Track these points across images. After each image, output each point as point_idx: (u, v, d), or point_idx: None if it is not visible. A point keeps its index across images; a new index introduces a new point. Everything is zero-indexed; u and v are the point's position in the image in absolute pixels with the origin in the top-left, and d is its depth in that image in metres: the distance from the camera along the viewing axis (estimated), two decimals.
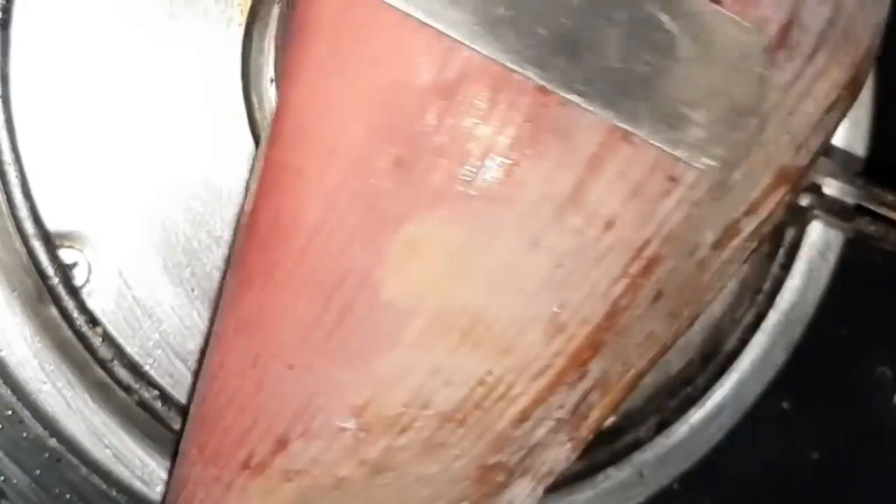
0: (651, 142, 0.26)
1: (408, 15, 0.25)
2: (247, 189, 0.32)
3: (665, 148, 0.26)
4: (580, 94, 0.25)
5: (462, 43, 0.25)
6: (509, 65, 0.25)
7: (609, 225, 0.27)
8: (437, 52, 0.25)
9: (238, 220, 0.34)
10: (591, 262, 0.27)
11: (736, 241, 0.31)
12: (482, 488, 0.31)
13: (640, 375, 0.32)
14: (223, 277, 0.34)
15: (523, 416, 0.29)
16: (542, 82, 0.25)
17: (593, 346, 0.28)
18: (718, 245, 0.30)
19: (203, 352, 0.35)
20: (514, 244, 0.27)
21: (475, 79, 0.25)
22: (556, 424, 0.30)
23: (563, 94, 0.25)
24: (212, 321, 0.34)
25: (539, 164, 0.26)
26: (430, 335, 0.27)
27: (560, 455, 0.32)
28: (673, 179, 0.27)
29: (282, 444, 0.29)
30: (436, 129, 0.25)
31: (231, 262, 0.30)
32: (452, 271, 0.27)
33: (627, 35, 0.25)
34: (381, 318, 0.27)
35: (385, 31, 0.25)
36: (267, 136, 0.28)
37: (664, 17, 0.25)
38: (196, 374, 0.34)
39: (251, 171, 0.32)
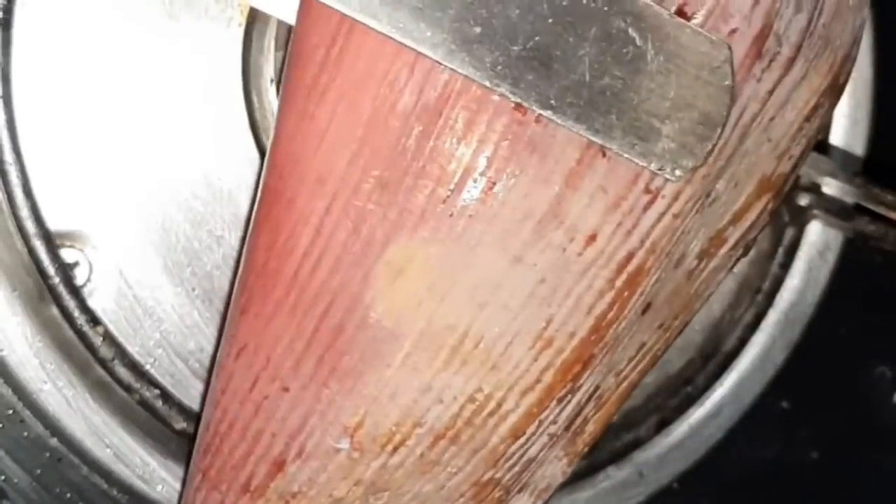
0: (623, 154, 0.26)
1: (387, 38, 0.26)
2: (250, 214, 0.33)
3: (637, 161, 0.26)
4: (553, 110, 0.26)
5: (439, 63, 0.26)
6: (484, 82, 0.26)
7: (590, 239, 0.27)
8: (416, 76, 0.26)
9: (241, 248, 0.34)
10: (575, 277, 0.27)
11: (723, 250, 0.31)
12: None
13: (633, 387, 0.33)
14: (228, 296, 0.34)
15: (516, 432, 0.29)
16: (516, 99, 0.26)
17: (582, 360, 0.29)
18: (705, 255, 0.31)
19: (202, 350, 0.35)
20: (496, 261, 0.27)
21: (454, 101, 0.26)
22: (550, 440, 0.31)
23: (536, 109, 0.26)
24: (218, 339, 0.34)
25: (518, 182, 0.26)
26: (419, 354, 0.28)
27: (556, 470, 0.33)
28: (651, 192, 0.27)
29: (279, 466, 0.30)
30: (417, 151, 0.26)
31: (233, 289, 0.31)
32: (437, 290, 0.27)
33: (598, 51, 0.26)
34: (370, 338, 0.28)
35: (366, 58, 0.26)
36: (265, 165, 0.29)
37: (633, 33, 0.26)
38: (196, 374, 0.35)
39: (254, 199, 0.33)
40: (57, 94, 0.33)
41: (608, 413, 0.32)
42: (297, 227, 0.28)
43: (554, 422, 0.30)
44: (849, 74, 0.31)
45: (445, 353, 0.28)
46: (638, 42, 0.26)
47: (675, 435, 0.41)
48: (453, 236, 0.27)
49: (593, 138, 0.26)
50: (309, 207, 0.27)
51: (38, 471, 0.33)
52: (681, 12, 0.26)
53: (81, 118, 0.33)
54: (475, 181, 0.26)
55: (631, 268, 0.28)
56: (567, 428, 0.31)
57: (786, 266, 0.41)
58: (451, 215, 0.27)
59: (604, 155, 0.26)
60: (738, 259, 0.32)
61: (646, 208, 0.27)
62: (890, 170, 0.42)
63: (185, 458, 0.34)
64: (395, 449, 0.29)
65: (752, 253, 0.41)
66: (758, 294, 0.41)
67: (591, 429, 0.32)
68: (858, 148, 0.42)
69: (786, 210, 0.41)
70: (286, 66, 0.28)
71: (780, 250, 0.41)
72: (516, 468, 0.30)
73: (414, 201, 0.27)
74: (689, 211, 0.28)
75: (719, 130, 0.27)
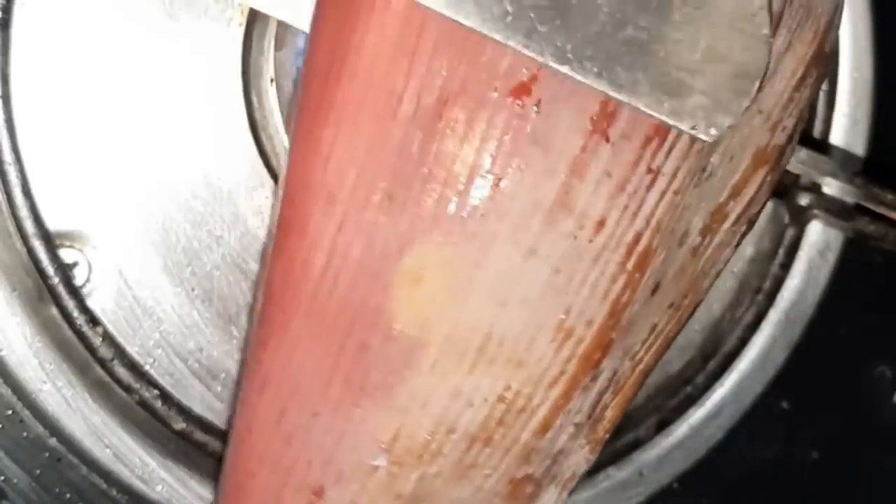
0: (651, 112, 0.25)
1: (384, 42, 0.25)
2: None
3: (668, 120, 0.25)
4: (570, 64, 0.24)
5: (445, 16, 0.25)
6: (494, 35, 0.25)
7: (600, 225, 0.27)
8: (412, 83, 0.26)
9: (255, 286, 0.34)
10: (588, 264, 0.28)
11: (725, 225, 0.31)
12: (513, 503, 0.31)
13: (648, 371, 0.33)
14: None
15: (546, 426, 0.29)
16: (530, 53, 0.25)
17: (602, 346, 0.29)
18: (707, 231, 0.31)
19: (202, 350, 0.35)
20: (511, 256, 0.27)
21: (452, 102, 0.26)
22: (575, 430, 0.31)
23: (553, 65, 0.25)
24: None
25: (524, 176, 0.26)
26: (446, 359, 0.28)
27: (580, 459, 0.33)
28: (653, 171, 0.27)
29: (318, 493, 0.29)
30: (421, 158, 0.26)
31: (250, 327, 0.31)
32: (456, 293, 0.27)
33: None
34: (396, 350, 0.28)
35: (362, 71, 0.26)
36: (279, 200, 0.29)
37: None
38: (195, 374, 0.35)
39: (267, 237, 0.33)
40: (56, 94, 0.33)
41: (626, 398, 0.32)
42: (311, 250, 0.28)
43: (579, 411, 0.30)
44: (832, 41, 0.31)
45: (472, 355, 0.28)
46: None
47: (675, 435, 0.40)
48: (466, 237, 0.27)
49: (617, 95, 0.25)
50: (321, 229, 0.27)
51: (38, 471, 0.33)
52: None
53: (81, 118, 0.33)
54: (482, 180, 0.26)
55: (640, 248, 0.28)
56: (589, 416, 0.31)
57: (786, 266, 0.41)
58: (461, 217, 0.27)
59: (607, 140, 0.26)
60: (742, 235, 0.32)
61: (649, 188, 0.27)
62: (890, 170, 0.42)
63: (185, 459, 0.34)
64: (433, 458, 0.29)
65: (752, 253, 0.42)
66: (758, 294, 0.41)
67: (611, 415, 0.32)
68: (859, 148, 0.42)
69: (786, 210, 0.41)
70: (295, 97, 0.28)
71: (781, 250, 0.41)
72: (547, 461, 0.31)
73: (423, 207, 0.27)
74: (688, 186, 0.28)
75: (757, 84, 0.25)
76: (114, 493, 0.34)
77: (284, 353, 0.29)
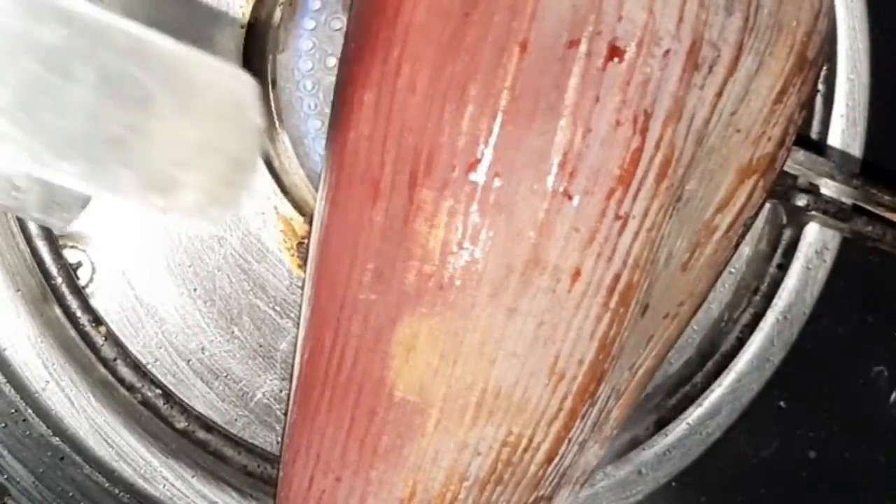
0: (147, 209, 0.24)
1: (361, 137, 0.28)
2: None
3: (157, 214, 0.24)
4: (50, 168, 0.22)
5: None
6: None
7: (576, 275, 0.28)
8: (386, 169, 0.28)
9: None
10: (570, 312, 0.28)
11: (716, 236, 0.32)
12: None
13: (652, 372, 0.34)
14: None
15: (550, 456, 0.31)
16: (22, 154, 0.22)
17: (595, 378, 0.30)
18: (696, 246, 0.31)
19: (204, 350, 0.35)
20: (494, 317, 0.28)
21: (420, 183, 0.28)
22: (579, 447, 0.32)
23: (35, 170, 0.22)
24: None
25: (494, 242, 0.28)
26: (448, 417, 0.29)
27: (590, 458, 0.34)
28: (622, 217, 0.28)
29: None
30: (399, 238, 0.28)
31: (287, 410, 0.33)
32: (448, 356, 0.29)
33: (96, 94, 0.22)
34: (401, 415, 0.29)
35: (347, 165, 0.29)
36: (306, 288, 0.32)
37: (137, 72, 0.23)
38: (197, 373, 0.35)
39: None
40: None
41: (630, 400, 0.34)
42: (322, 330, 0.30)
43: (580, 431, 0.31)
44: (820, 46, 0.31)
45: (472, 410, 0.29)
46: (144, 83, 0.23)
47: (673, 434, 0.41)
48: (448, 305, 0.28)
49: (110, 195, 0.23)
50: (328, 310, 0.30)
51: (41, 469, 0.33)
52: (613, 48, 0.27)
53: None
54: (455, 252, 0.28)
55: (620, 286, 0.29)
56: (593, 428, 0.32)
57: (784, 266, 0.42)
58: (441, 287, 0.28)
59: (570, 198, 0.27)
60: (741, 237, 0.33)
61: (620, 232, 0.28)
62: (887, 171, 0.42)
63: (187, 457, 0.35)
64: None
65: (750, 253, 0.42)
66: (756, 294, 0.41)
67: (616, 415, 0.34)
68: (856, 149, 0.42)
69: (784, 211, 0.41)
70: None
71: (779, 251, 0.41)
72: (556, 480, 0.32)
73: (407, 282, 0.28)
74: (662, 220, 0.29)
75: (252, 173, 0.26)
76: (116, 491, 0.34)
77: (307, 425, 0.31)
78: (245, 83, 0.24)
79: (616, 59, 0.27)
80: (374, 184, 0.29)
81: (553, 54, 0.27)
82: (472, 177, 0.27)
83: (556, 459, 0.31)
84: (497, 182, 0.27)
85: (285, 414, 0.35)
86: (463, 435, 0.29)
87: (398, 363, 0.29)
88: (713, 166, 0.30)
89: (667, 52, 0.27)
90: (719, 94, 0.29)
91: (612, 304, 0.29)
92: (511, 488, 0.31)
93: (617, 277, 0.28)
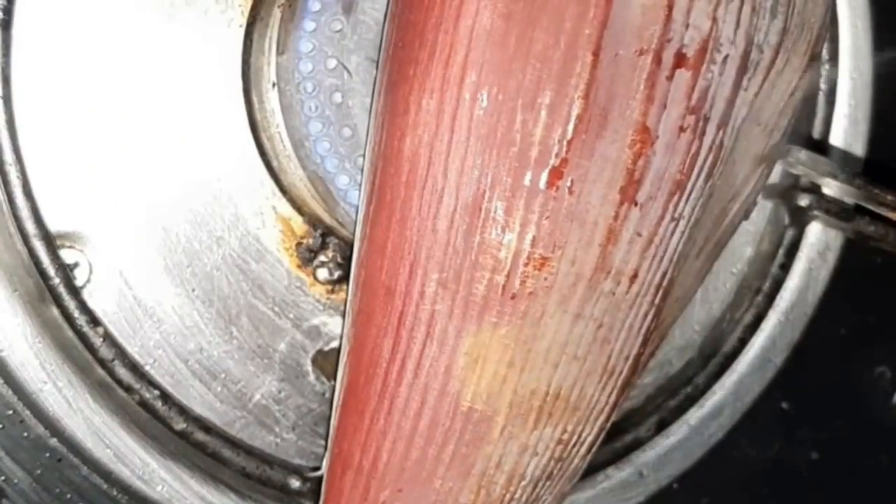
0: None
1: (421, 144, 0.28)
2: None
3: None
4: None
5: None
6: None
7: (633, 277, 0.29)
8: (450, 179, 0.28)
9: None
10: (626, 312, 0.30)
11: (725, 222, 0.33)
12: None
13: (653, 354, 0.34)
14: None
15: (591, 448, 0.32)
16: None
17: (636, 370, 0.31)
18: (709, 238, 0.32)
19: (202, 351, 0.35)
20: (561, 324, 0.29)
21: (489, 193, 0.28)
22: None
23: None
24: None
25: (565, 251, 0.28)
26: (513, 423, 0.30)
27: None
28: (676, 218, 0.29)
29: None
30: (467, 248, 0.28)
31: (330, 416, 0.33)
32: (516, 364, 0.29)
33: None
34: (467, 424, 0.30)
35: (406, 173, 0.29)
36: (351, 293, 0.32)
37: None
38: (195, 374, 0.35)
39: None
40: (57, 94, 0.33)
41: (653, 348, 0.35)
42: (378, 339, 0.30)
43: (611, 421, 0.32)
44: (825, 39, 0.32)
45: (535, 414, 0.30)
46: None
47: (674, 435, 0.41)
48: (519, 315, 0.29)
49: None
50: (384, 320, 0.30)
51: (38, 471, 0.33)
52: (681, 55, 0.27)
53: (81, 119, 0.33)
54: (526, 262, 0.28)
55: (665, 283, 0.30)
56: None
57: (786, 267, 0.41)
58: (512, 297, 0.28)
59: (636, 204, 0.28)
60: (740, 221, 0.34)
61: (672, 233, 0.29)
62: (890, 170, 0.42)
63: (185, 459, 0.34)
64: None
65: (752, 253, 0.42)
66: (758, 295, 0.41)
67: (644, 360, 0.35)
68: (858, 148, 0.42)
69: (786, 211, 0.41)
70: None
71: (781, 251, 0.41)
72: (585, 469, 0.33)
73: (475, 293, 0.29)
74: (700, 215, 0.30)
75: None
76: (114, 493, 0.34)
77: (361, 436, 0.31)
78: None
79: (683, 67, 0.27)
80: (437, 192, 0.28)
81: (624, 62, 0.27)
82: (545, 186, 0.28)
83: (594, 450, 0.32)
84: (570, 191, 0.28)
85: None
86: (525, 438, 0.30)
87: (465, 373, 0.29)
88: (735, 157, 0.31)
89: (725, 57, 0.28)
90: (757, 94, 0.29)
91: (657, 301, 0.30)
92: (556, 482, 0.32)
93: (664, 275, 0.29)
